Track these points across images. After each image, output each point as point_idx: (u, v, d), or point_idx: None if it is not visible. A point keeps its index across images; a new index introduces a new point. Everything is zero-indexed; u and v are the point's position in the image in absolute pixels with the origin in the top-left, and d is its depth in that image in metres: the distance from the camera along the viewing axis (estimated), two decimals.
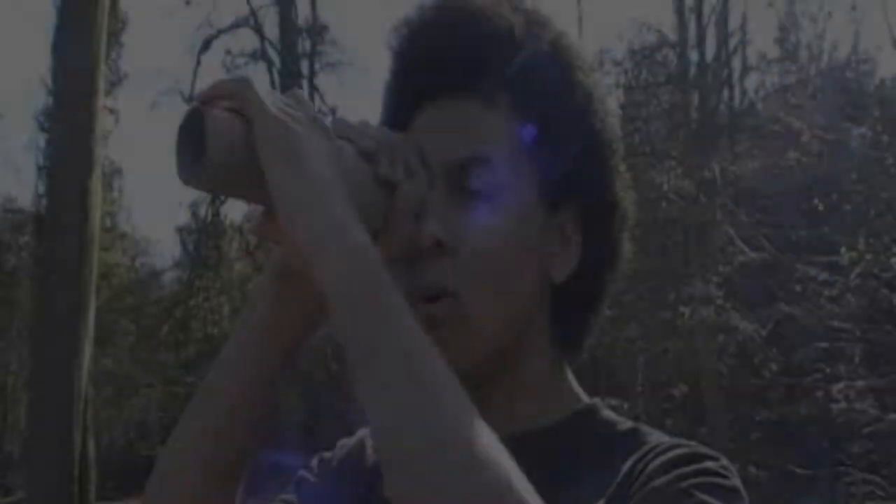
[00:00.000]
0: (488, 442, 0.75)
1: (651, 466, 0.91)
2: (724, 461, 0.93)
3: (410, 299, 0.84)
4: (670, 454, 0.92)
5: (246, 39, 20.36)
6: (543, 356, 1.05)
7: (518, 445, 0.79)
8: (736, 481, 0.90)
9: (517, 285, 0.99)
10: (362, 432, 1.17)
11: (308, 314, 0.97)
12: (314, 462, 1.14)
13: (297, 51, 20.07)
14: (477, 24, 1.01)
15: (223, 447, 0.96)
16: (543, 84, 1.01)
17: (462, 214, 0.97)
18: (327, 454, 1.15)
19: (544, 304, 1.04)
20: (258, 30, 19.94)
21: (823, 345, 11.82)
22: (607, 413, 1.06)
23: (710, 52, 17.25)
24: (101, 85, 9.37)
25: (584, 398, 1.08)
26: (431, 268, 0.95)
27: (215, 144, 0.82)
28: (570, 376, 1.09)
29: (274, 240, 0.91)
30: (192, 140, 0.84)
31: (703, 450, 0.94)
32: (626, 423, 1.04)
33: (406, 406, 0.77)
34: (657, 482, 0.89)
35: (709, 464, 0.91)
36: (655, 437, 1.00)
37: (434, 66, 1.02)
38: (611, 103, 1.10)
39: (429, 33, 1.04)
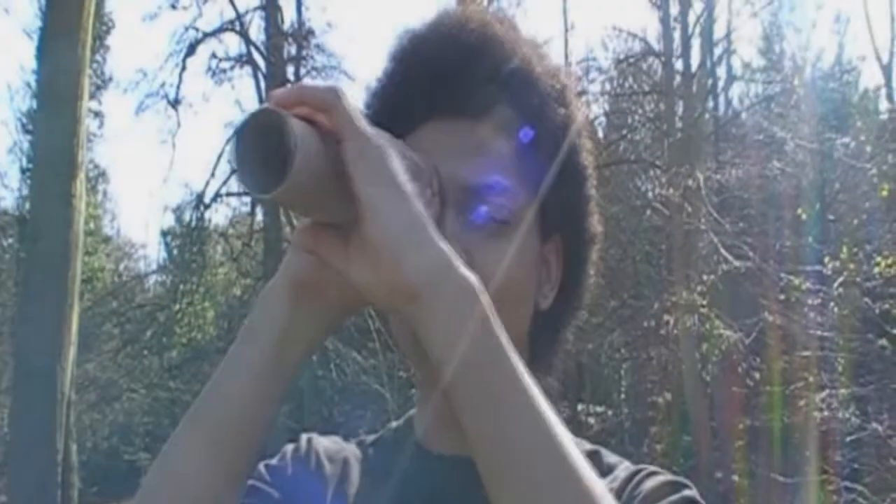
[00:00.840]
0: (602, 489, 0.78)
1: (641, 493, 0.96)
2: (695, 489, 0.98)
3: None
4: (655, 481, 0.98)
5: (231, 43, 20.31)
6: None
7: None
8: None
9: (521, 311, 1.02)
10: (307, 437, 1.17)
11: (320, 331, 0.95)
12: (261, 468, 1.11)
13: (282, 55, 20.03)
14: (498, 51, 1.02)
15: (223, 459, 0.91)
16: (552, 119, 1.03)
17: (475, 239, 0.97)
18: (273, 461, 1.13)
19: (527, 330, 1.06)
20: (244, 34, 19.89)
21: (806, 353, 11.86)
22: None
23: (694, 61, 17.31)
24: (86, 87, 9.34)
25: None
26: None
27: (303, 159, 0.76)
28: None
29: (322, 256, 0.87)
30: (258, 144, 0.78)
31: (679, 478, 0.99)
32: (584, 445, 1.07)
33: (526, 455, 0.78)
34: None
35: (687, 492, 0.96)
36: (617, 459, 1.05)
37: (450, 86, 1.01)
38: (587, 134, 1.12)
39: (445, 52, 1.03)
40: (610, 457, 1.04)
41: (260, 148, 0.78)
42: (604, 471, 1.00)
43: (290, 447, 1.16)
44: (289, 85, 0.85)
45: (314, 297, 0.91)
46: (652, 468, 1.00)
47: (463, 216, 0.98)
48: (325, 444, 1.16)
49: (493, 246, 0.98)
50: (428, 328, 0.81)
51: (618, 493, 0.96)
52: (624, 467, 1.02)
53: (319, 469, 1.12)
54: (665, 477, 0.98)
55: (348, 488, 1.09)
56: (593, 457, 1.04)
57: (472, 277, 0.81)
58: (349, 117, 0.81)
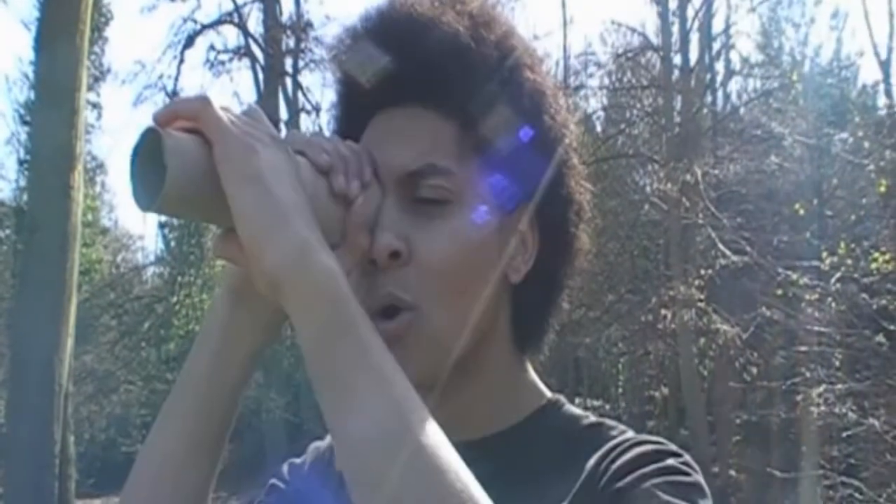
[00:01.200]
0: (457, 468, 0.76)
1: (614, 466, 0.92)
2: (687, 457, 0.94)
3: (369, 313, 0.84)
4: (633, 453, 0.94)
5: (230, 36, 20.31)
6: (505, 355, 1.06)
7: (483, 449, 0.80)
8: (698, 477, 0.92)
9: (476, 291, 0.99)
10: None
11: (263, 330, 0.98)
12: (284, 468, 1.15)
13: (281, 48, 20.02)
14: (422, 33, 1.01)
15: (185, 471, 0.97)
16: (491, 88, 1.01)
17: (416, 224, 0.97)
18: (297, 460, 1.16)
19: (503, 305, 1.04)
20: (242, 26, 19.88)
21: (804, 349, 11.87)
22: (570, 408, 1.07)
23: (693, 56, 17.30)
24: (84, 79, 9.33)
25: (547, 393, 1.09)
26: (389, 279, 0.95)
27: (177, 167, 0.80)
28: (531, 372, 1.10)
29: (233, 261, 0.90)
30: (149, 163, 0.82)
31: (666, 446, 0.95)
32: (589, 418, 1.05)
33: (373, 430, 0.77)
34: (621, 483, 0.90)
35: (671, 461, 0.92)
36: (618, 431, 1.01)
37: (381, 78, 1.01)
38: (563, 95, 1.09)
39: (375, 44, 1.02)
40: (613, 429, 1.01)
41: (154, 166, 0.81)
42: (604, 439, 0.98)
43: (313, 444, 1.18)
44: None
45: (249, 301, 0.94)
46: (642, 438, 0.97)
47: (403, 202, 0.98)
48: None
49: (433, 227, 0.97)
50: (291, 317, 0.83)
51: (596, 465, 0.94)
52: (618, 440, 0.98)
53: (333, 464, 1.12)
54: (648, 447, 0.94)
55: None
56: (596, 428, 1.02)
57: (329, 262, 0.82)
58: (216, 122, 0.83)
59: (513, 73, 1.03)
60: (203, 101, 0.84)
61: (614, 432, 1.01)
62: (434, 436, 0.77)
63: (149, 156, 0.82)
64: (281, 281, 0.81)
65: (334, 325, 0.81)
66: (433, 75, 0.99)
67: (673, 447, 0.95)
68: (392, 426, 0.77)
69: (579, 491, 0.94)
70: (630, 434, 1.00)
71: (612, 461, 0.93)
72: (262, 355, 1.02)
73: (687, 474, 0.91)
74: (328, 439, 1.17)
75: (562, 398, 1.09)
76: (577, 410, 1.07)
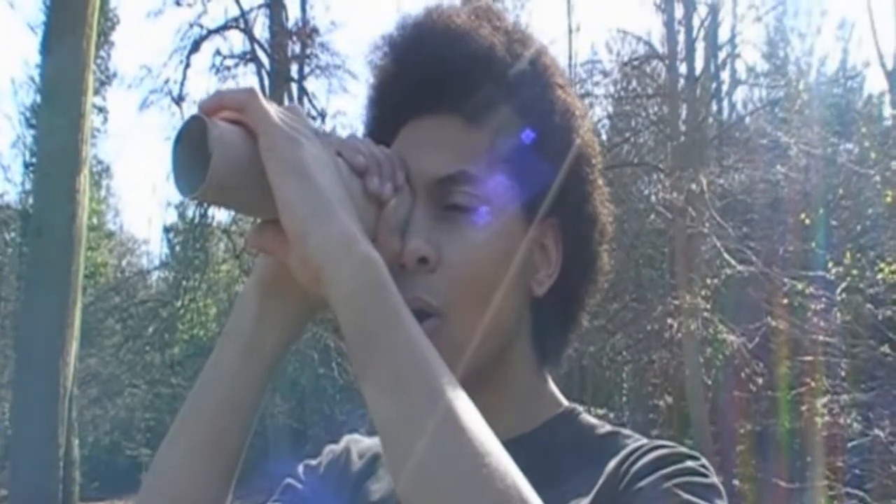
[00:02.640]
0: (497, 449, 0.77)
1: (635, 468, 0.94)
2: (703, 460, 0.96)
3: None
4: (653, 455, 0.95)
5: (236, 41, 20.32)
6: (525, 366, 1.07)
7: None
8: (714, 479, 0.93)
9: (501, 301, 1.00)
10: (348, 438, 1.19)
11: (291, 326, 0.98)
12: (300, 469, 1.16)
13: (286, 53, 20.04)
14: (458, 43, 1.03)
15: (208, 465, 0.97)
16: (524, 102, 1.03)
17: (445, 231, 0.98)
18: (312, 461, 1.17)
19: (525, 317, 1.06)
20: (248, 32, 19.90)
21: (809, 359, 11.85)
22: (586, 417, 1.10)
23: (698, 65, 17.27)
24: (91, 83, 9.35)
25: (564, 402, 1.11)
26: (416, 284, 0.96)
27: (221, 157, 0.81)
28: (550, 381, 1.12)
29: (268, 252, 0.91)
30: (192, 150, 0.83)
31: (683, 449, 0.97)
32: (605, 427, 1.07)
33: (414, 409, 0.78)
34: (641, 483, 0.91)
35: (689, 463, 0.94)
36: (634, 439, 1.03)
37: (416, 85, 1.03)
38: (589, 119, 1.12)
39: (410, 52, 1.05)
40: (629, 438, 1.03)
41: (195, 153, 0.82)
42: (620, 447, 1.00)
43: (328, 447, 1.19)
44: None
45: (280, 296, 0.96)
46: (659, 443, 0.98)
47: (432, 208, 0.99)
48: (366, 443, 1.19)
49: (461, 235, 0.98)
50: (333, 306, 0.84)
51: (616, 468, 0.96)
52: (637, 444, 1.00)
53: (349, 467, 1.15)
54: (665, 451, 0.96)
55: (372, 484, 1.11)
56: (611, 437, 1.04)
57: (372, 251, 0.84)
58: (262, 114, 0.85)
59: (545, 90, 1.06)
60: (250, 92, 0.86)
61: (630, 440, 1.03)
62: (474, 418, 0.78)
63: (192, 144, 0.83)
64: (324, 265, 0.82)
65: (376, 309, 0.82)
66: (467, 85, 1.01)
67: (690, 451, 0.97)
68: (431, 406, 0.77)
69: (599, 492, 0.95)
70: (645, 440, 1.02)
71: (633, 463, 0.95)
72: (286, 355, 1.02)
73: (705, 476, 0.93)
74: (343, 443, 1.19)
75: (578, 408, 1.11)
76: (594, 420, 1.09)
